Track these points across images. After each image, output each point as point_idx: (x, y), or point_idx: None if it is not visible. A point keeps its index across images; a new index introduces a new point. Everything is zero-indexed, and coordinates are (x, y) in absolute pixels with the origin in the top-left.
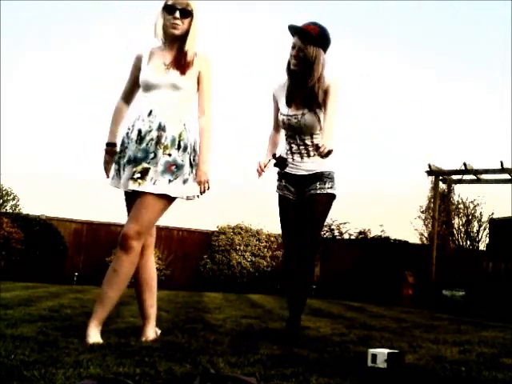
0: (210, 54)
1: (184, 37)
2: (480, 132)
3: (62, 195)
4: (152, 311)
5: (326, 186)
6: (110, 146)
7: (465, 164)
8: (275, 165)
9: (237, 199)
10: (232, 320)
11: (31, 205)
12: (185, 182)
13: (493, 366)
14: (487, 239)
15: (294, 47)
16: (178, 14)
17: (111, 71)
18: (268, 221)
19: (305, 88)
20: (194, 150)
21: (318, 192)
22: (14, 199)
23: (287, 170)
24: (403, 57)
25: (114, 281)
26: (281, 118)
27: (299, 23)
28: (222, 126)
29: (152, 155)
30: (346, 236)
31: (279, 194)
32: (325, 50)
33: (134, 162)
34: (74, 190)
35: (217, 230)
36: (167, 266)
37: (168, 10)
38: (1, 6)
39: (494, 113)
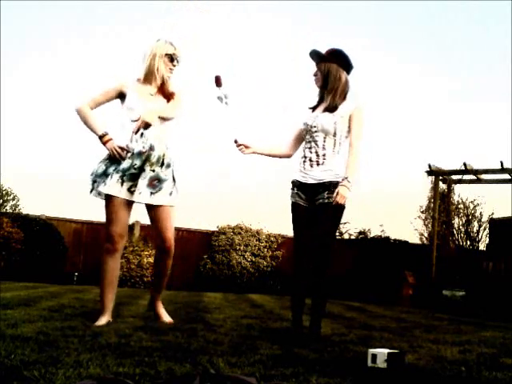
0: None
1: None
2: (480, 132)
3: (62, 195)
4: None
5: (334, 195)
6: (106, 134)
7: (465, 164)
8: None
9: (237, 199)
10: (232, 320)
11: (31, 205)
12: (171, 193)
13: (493, 366)
14: (487, 239)
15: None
16: (175, 63)
17: (111, 71)
18: (268, 221)
19: (328, 98)
20: (174, 169)
21: (326, 201)
22: (14, 199)
23: (298, 178)
24: (403, 57)
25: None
26: (304, 121)
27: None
28: (221, 126)
29: (144, 171)
30: (346, 236)
31: (292, 202)
32: (343, 68)
33: (122, 172)
34: (73, 190)
35: (217, 229)
36: None
37: (170, 58)
38: (1, 5)
39: (494, 113)
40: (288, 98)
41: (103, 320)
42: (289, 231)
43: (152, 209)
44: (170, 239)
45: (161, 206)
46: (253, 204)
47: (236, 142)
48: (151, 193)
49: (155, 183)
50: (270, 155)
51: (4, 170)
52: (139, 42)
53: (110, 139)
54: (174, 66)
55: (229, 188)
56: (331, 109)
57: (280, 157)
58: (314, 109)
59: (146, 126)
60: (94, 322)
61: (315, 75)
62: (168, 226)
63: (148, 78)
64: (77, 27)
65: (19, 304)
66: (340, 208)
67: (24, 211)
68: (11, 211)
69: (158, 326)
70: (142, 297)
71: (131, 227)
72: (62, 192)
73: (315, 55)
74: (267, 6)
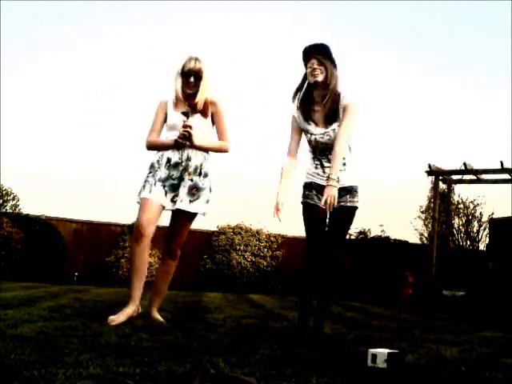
0: (220, 97)
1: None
2: (480, 132)
3: (62, 195)
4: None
5: (355, 199)
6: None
7: (465, 164)
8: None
9: (237, 199)
10: (232, 320)
11: (31, 205)
12: (207, 201)
13: (493, 366)
14: (487, 239)
15: (312, 66)
16: (192, 79)
17: (111, 71)
18: (268, 221)
19: (327, 103)
20: (211, 180)
21: (349, 205)
22: (14, 199)
23: (317, 180)
24: (403, 57)
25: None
26: (312, 137)
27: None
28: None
29: (183, 181)
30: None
31: (308, 203)
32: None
33: (162, 182)
34: (73, 190)
35: (217, 229)
36: None
37: (184, 75)
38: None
39: (495, 113)
40: (288, 98)
41: (128, 310)
42: (289, 231)
43: (180, 214)
44: (181, 243)
45: (188, 213)
46: (253, 204)
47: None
48: (190, 200)
49: (194, 191)
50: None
51: (4, 170)
52: (139, 42)
53: (175, 139)
54: (191, 82)
55: (229, 188)
56: (332, 116)
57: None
58: (305, 107)
59: (184, 140)
60: (108, 317)
61: (317, 68)
62: (185, 233)
63: (176, 96)
64: (77, 27)
65: (19, 304)
66: (355, 211)
67: (24, 211)
68: (11, 211)
69: (158, 326)
70: (142, 297)
71: (131, 227)
72: (61, 192)
73: (321, 49)
74: (267, 6)
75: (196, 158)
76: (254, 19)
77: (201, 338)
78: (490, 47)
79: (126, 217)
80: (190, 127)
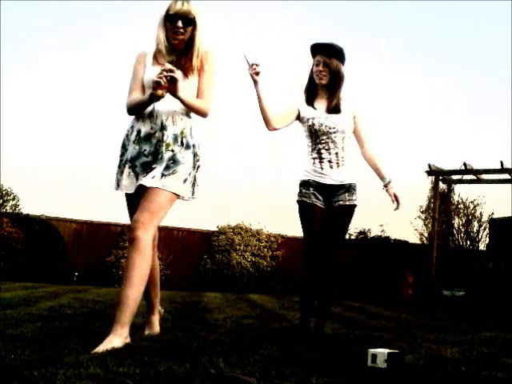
0: (211, 49)
1: (187, 44)
2: (480, 132)
3: (61, 195)
4: (157, 301)
5: (353, 197)
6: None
7: (465, 164)
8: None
9: (237, 199)
10: (232, 320)
11: (31, 205)
12: (185, 181)
13: (493, 366)
14: (487, 239)
15: (318, 64)
16: (180, 23)
17: (112, 71)
18: (268, 221)
19: (331, 98)
20: (198, 153)
21: (348, 203)
22: (14, 199)
23: (315, 178)
24: (403, 56)
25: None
26: (314, 121)
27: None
28: (221, 124)
29: (160, 156)
30: (346, 236)
31: (305, 202)
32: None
33: (131, 161)
34: (73, 190)
35: (217, 229)
36: (167, 266)
37: (169, 18)
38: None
39: (495, 113)
40: (287, 97)
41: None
42: (289, 231)
43: (147, 190)
44: (137, 222)
45: (159, 190)
46: (253, 204)
47: (255, 64)
48: (163, 174)
49: (170, 164)
50: (263, 109)
51: (4, 170)
52: (139, 41)
53: (155, 92)
54: (179, 27)
55: (229, 188)
56: (336, 109)
57: (266, 121)
58: (310, 95)
59: (164, 88)
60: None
61: (323, 70)
62: (146, 207)
63: (158, 47)
64: (77, 27)
65: (19, 304)
66: (354, 209)
67: (24, 211)
68: (11, 211)
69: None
70: (142, 296)
71: None
72: (61, 192)
73: (329, 49)
74: (267, 6)
75: (174, 126)
76: (254, 19)
77: (201, 338)
78: (490, 47)
79: (126, 217)
80: (173, 71)
